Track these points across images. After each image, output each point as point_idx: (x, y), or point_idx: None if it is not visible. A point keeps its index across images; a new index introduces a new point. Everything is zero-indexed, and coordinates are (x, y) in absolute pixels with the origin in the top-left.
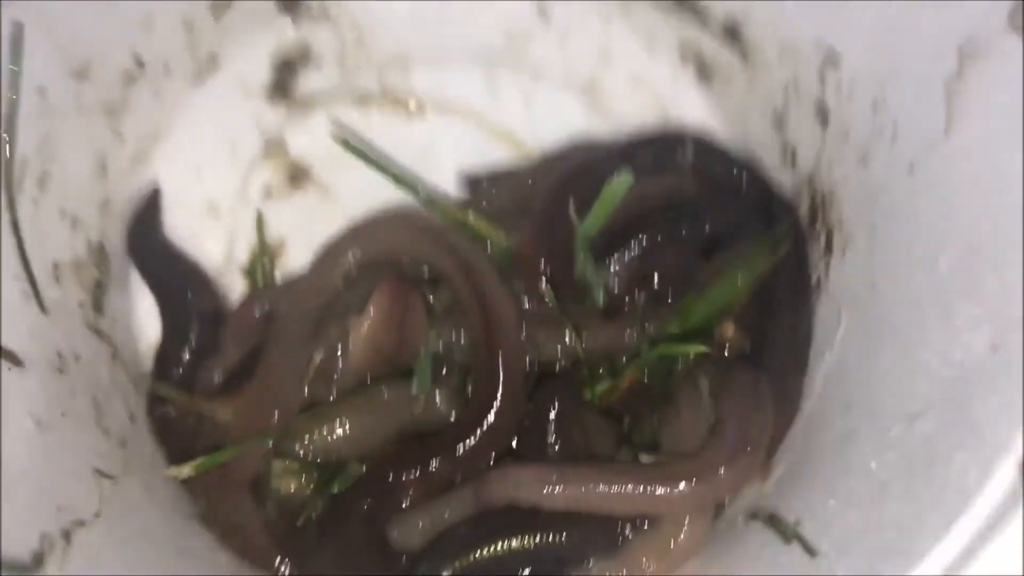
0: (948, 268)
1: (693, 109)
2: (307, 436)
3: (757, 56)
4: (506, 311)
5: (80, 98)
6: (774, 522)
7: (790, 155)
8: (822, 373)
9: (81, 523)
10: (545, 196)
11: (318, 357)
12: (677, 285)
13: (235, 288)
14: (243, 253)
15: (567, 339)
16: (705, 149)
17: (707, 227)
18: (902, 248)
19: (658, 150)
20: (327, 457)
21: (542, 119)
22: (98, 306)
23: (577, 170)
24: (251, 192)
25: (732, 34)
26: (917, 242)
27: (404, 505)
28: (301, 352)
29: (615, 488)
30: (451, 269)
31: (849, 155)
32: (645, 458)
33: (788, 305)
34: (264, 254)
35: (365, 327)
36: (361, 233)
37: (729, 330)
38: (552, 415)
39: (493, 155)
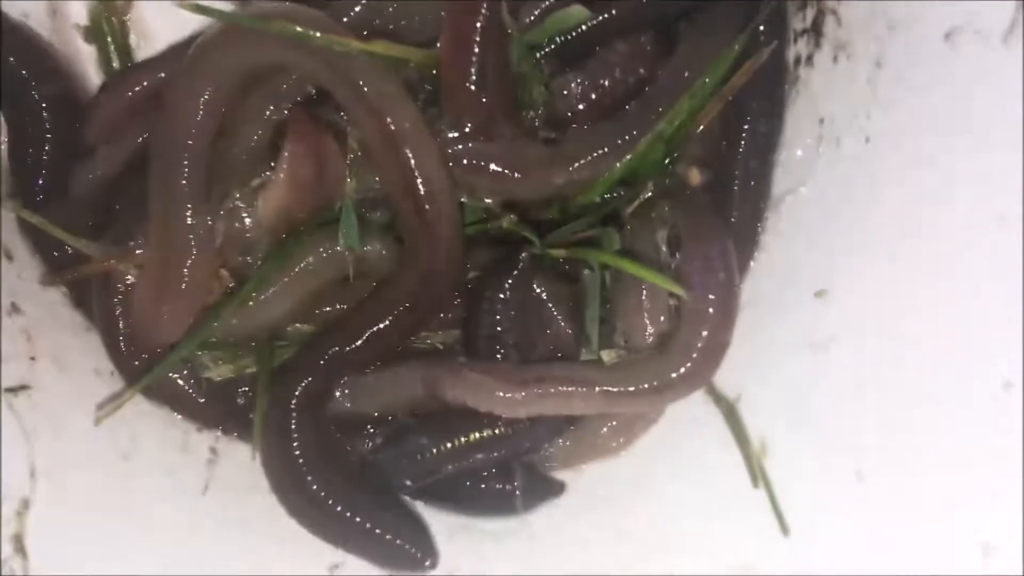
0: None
1: None
2: (231, 317)
3: None
4: (426, 153)
5: None
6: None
7: None
8: (789, 210)
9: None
10: None
11: (222, 226)
12: (634, 92)
13: (79, 53)
14: (75, 8)
15: (506, 179)
16: None
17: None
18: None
19: None
20: (258, 334)
21: None
22: None
23: None
24: None
25: None
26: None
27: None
28: (200, 207)
29: (577, 402)
30: (351, 104)
31: None
32: (606, 356)
33: (760, 123)
34: (110, 10)
35: (278, 190)
36: (233, 38)
37: (695, 176)
38: (501, 296)
39: None
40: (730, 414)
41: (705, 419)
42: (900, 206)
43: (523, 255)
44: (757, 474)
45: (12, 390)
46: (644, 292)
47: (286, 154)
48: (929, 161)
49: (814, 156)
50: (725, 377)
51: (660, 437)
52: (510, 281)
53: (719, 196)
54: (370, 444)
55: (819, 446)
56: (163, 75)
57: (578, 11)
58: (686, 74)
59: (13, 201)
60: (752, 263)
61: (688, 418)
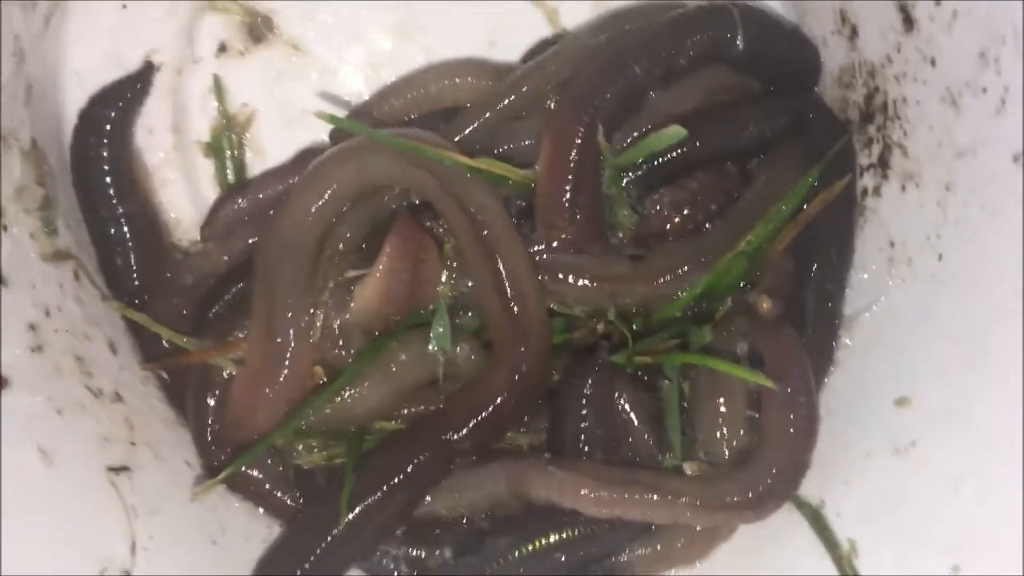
0: None
1: None
2: (323, 408)
3: None
4: (517, 259)
5: None
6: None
7: (848, 27)
8: (863, 327)
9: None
10: (564, 111)
11: (321, 316)
12: (712, 217)
13: (196, 168)
14: (198, 127)
15: (593, 290)
16: (753, 24)
17: (750, 135)
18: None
19: (701, 34)
20: (344, 426)
21: None
22: (50, 225)
23: (604, 74)
24: (200, 50)
25: None
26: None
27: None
28: (301, 298)
29: (661, 511)
30: (451, 212)
31: (933, 85)
32: (689, 467)
33: (832, 249)
34: (229, 127)
35: (374, 284)
36: (355, 154)
37: (764, 303)
38: (586, 392)
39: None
40: (815, 519)
41: (788, 525)
42: (976, 314)
43: (603, 347)
44: (850, 572)
45: (115, 470)
46: (722, 404)
47: (387, 248)
48: (999, 269)
49: (885, 276)
50: (806, 482)
51: (743, 545)
52: (592, 377)
53: (794, 320)
54: (439, 552)
55: (911, 545)
56: (279, 188)
57: (675, 131)
58: (763, 202)
59: (116, 301)
60: (827, 378)
61: (771, 524)
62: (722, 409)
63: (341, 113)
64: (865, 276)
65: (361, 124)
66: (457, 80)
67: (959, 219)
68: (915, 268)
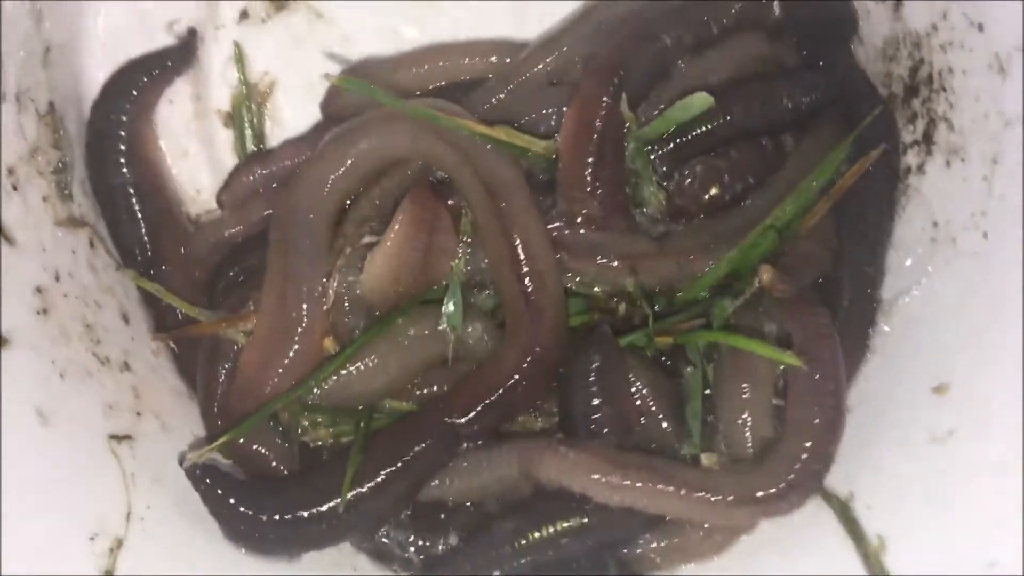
0: None
1: None
2: (330, 382)
3: None
4: (535, 236)
5: None
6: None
7: None
8: (901, 311)
9: (118, 541)
10: (589, 82)
11: (334, 283)
12: (742, 196)
13: (216, 137)
14: (218, 94)
15: (614, 269)
16: None
17: (784, 108)
18: None
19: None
20: (351, 404)
21: None
22: (64, 189)
23: (629, 42)
24: (222, 15)
25: None
26: None
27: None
28: (316, 271)
29: (673, 503)
30: (468, 185)
31: (980, 52)
32: (707, 459)
33: (869, 227)
34: (249, 96)
35: (386, 251)
36: (374, 125)
37: (766, 273)
38: (594, 372)
39: None
40: (843, 512)
41: (815, 519)
42: (1020, 296)
43: (602, 325)
44: (878, 570)
45: (117, 438)
46: (746, 390)
47: (400, 215)
48: None
49: (927, 259)
50: (835, 474)
51: (765, 539)
52: (597, 351)
53: (829, 300)
54: (445, 537)
55: (946, 541)
56: (297, 158)
57: (702, 99)
58: (798, 177)
59: (129, 270)
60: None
61: (796, 517)
62: (746, 395)
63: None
64: (908, 260)
65: (381, 91)
66: (479, 54)
67: (1005, 193)
68: (958, 248)
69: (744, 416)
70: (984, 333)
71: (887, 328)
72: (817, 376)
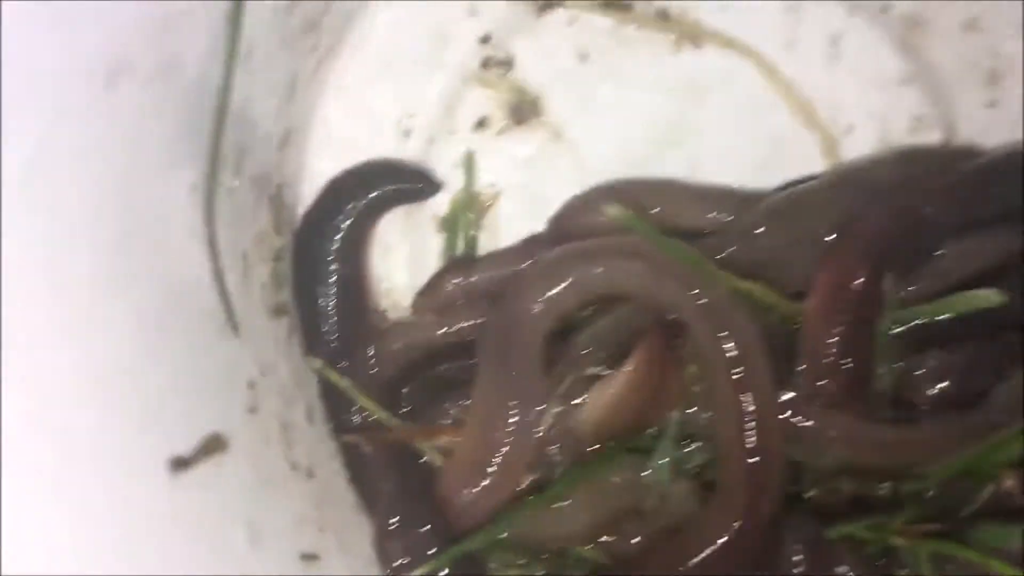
0: None
1: None
2: (527, 521)
3: None
4: (767, 407)
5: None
6: None
7: None
8: None
9: None
10: (849, 248)
11: (553, 411)
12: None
13: (425, 239)
14: (438, 197)
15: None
16: None
17: None
18: None
19: (1010, 186)
20: (536, 543)
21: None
22: (277, 279)
23: (896, 216)
24: (458, 121)
25: None
26: None
27: None
28: (533, 394)
29: None
30: (706, 338)
31: None
32: None
33: None
34: (471, 205)
35: (616, 392)
36: (616, 254)
37: (1008, 479)
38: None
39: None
40: None
41: None
42: None
43: (808, 519)
44: None
45: (307, 557)
46: None
47: (635, 361)
48: None
49: None
50: None
51: None
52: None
53: None
54: None
55: None
56: (505, 271)
57: (991, 295)
58: None
59: (315, 360)
60: None
61: None
62: None
63: None
64: None
65: (646, 225)
66: (717, 203)
67: None
68: None
69: None
70: None
71: None
72: None
